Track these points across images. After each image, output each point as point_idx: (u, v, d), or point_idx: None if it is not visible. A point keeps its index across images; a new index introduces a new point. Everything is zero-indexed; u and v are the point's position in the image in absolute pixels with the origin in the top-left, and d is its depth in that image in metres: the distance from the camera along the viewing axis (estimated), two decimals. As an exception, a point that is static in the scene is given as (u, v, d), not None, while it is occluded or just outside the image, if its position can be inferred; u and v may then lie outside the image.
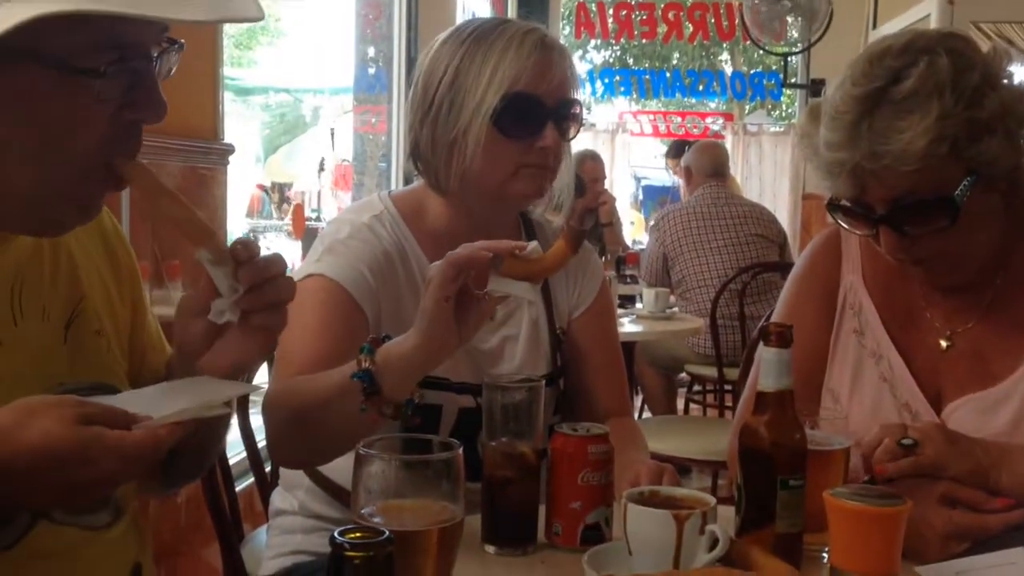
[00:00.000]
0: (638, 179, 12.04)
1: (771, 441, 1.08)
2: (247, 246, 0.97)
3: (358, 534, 0.51)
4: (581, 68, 8.83)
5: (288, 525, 1.56)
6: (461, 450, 0.96)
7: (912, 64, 1.19)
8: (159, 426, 0.85)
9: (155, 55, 0.94)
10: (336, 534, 0.51)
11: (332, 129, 10.09)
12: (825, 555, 1.09)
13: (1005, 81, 1.23)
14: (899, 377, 1.36)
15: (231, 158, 2.77)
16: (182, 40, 0.98)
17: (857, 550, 0.83)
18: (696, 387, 4.83)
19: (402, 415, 1.17)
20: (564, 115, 1.46)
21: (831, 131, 1.23)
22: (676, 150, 6.63)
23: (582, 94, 1.61)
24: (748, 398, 1.47)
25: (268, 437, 1.35)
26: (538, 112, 1.43)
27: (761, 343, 1.11)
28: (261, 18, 0.98)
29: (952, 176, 1.21)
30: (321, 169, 9.93)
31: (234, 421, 1.94)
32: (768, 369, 1.10)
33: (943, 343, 1.36)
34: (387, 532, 0.51)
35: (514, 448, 1.18)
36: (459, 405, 1.45)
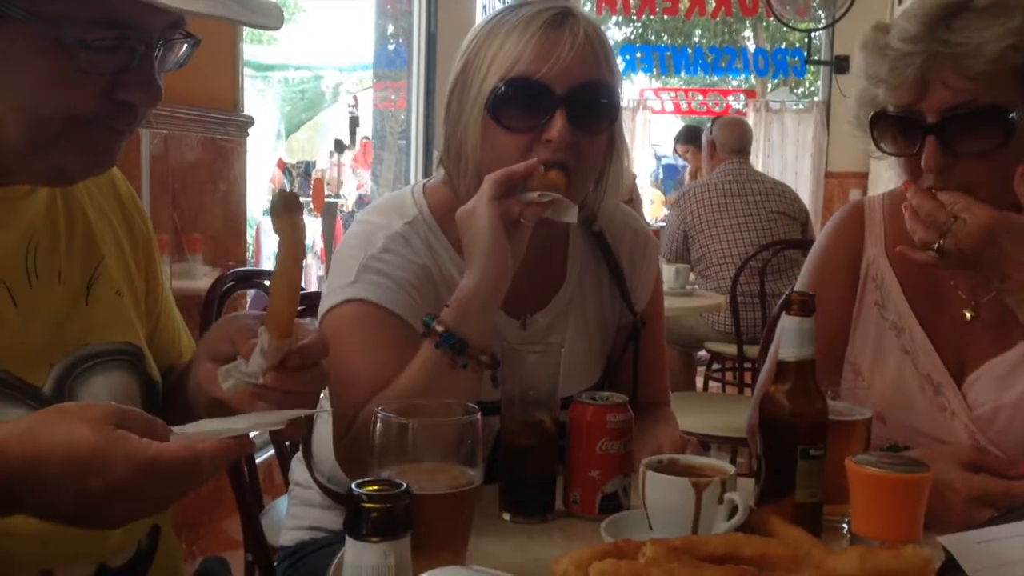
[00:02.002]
0: (658, 157, 11.97)
1: (792, 411, 1.07)
2: (304, 355, 0.93)
3: (376, 487, 0.51)
4: (602, 44, 8.77)
5: (307, 498, 1.55)
6: (479, 414, 0.96)
7: None
8: (202, 443, 0.80)
9: (158, 43, 0.94)
10: (354, 486, 0.50)
11: (351, 107, 10.08)
12: (845, 526, 1.08)
13: None
14: (921, 349, 1.35)
15: (253, 135, 2.78)
16: (198, 36, 0.98)
17: (879, 517, 0.83)
18: (715, 365, 4.81)
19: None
20: (581, 102, 1.25)
21: (909, 22, 1.24)
22: (686, 136, 6.57)
23: (619, 78, 1.33)
24: (768, 370, 1.47)
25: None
26: (542, 99, 1.24)
27: (783, 312, 1.10)
28: (277, 27, 0.98)
29: (1012, 99, 1.22)
30: (339, 150, 9.92)
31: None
32: (790, 338, 1.08)
33: (967, 314, 1.35)
34: (405, 484, 0.51)
35: (532, 416, 1.17)
36: (495, 428, 1.23)
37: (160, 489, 0.81)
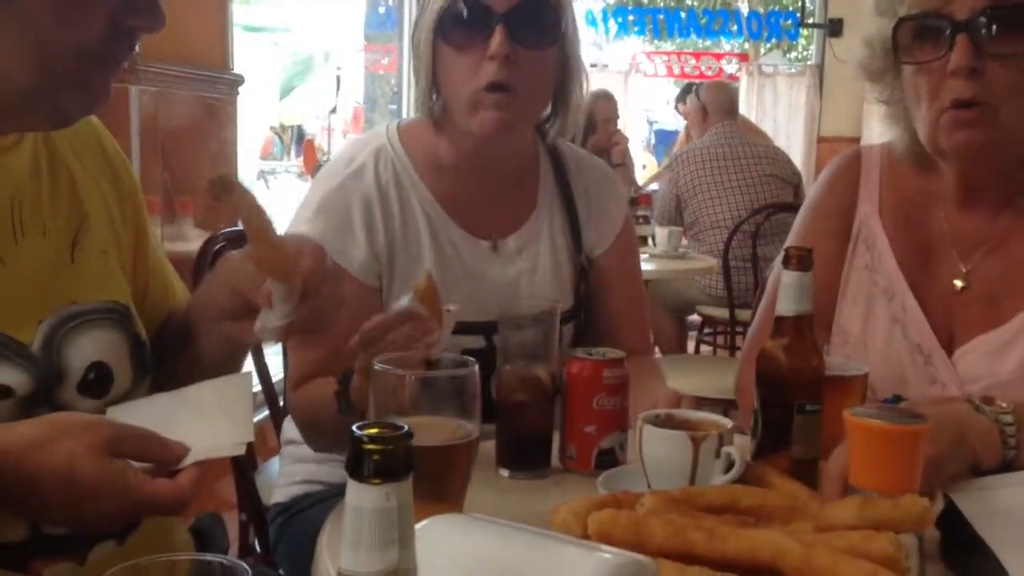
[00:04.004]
0: (650, 123, 11.90)
1: (789, 366, 1.07)
2: (315, 280, 0.97)
3: (376, 429, 0.50)
4: (594, 6, 8.68)
5: (300, 454, 1.56)
6: (477, 367, 0.95)
7: None
8: (184, 477, 0.86)
9: None
10: (355, 428, 0.50)
11: (339, 70, 9.98)
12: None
13: None
14: (912, 318, 1.33)
15: (245, 97, 2.75)
16: None
17: (877, 469, 0.83)
18: (707, 329, 4.82)
19: (341, 381, 1.16)
20: (521, 19, 1.31)
21: None
22: (686, 94, 6.53)
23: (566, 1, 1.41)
24: (758, 328, 1.46)
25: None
26: (482, 17, 1.31)
27: (782, 266, 1.09)
28: None
29: None
30: (332, 112, 9.84)
31: (248, 358, 1.94)
32: (787, 293, 1.08)
33: (958, 283, 1.33)
34: (406, 427, 0.50)
35: (529, 372, 1.17)
36: (463, 347, 1.36)
37: (147, 515, 0.92)
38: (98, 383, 1.01)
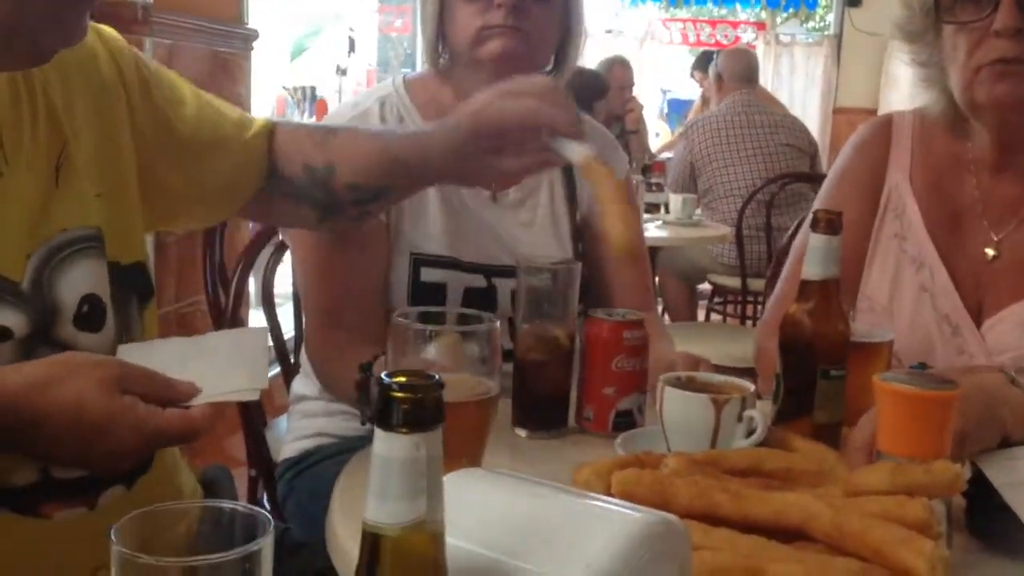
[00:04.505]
0: (664, 91, 11.79)
1: (814, 330, 1.05)
2: None
3: (406, 377, 0.48)
4: (611, -28, 8.56)
5: (310, 409, 1.56)
6: (497, 323, 0.93)
7: None
8: (197, 409, 0.85)
9: None
10: (384, 376, 0.48)
11: (352, 31, 9.89)
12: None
13: None
14: (941, 288, 1.31)
15: (258, 54, 2.71)
16: None
17: (907, 434, 0.81)
18: (717, 298, 4.80)
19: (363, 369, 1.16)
20: None
21: None
22: (703, 62, 6.46)
23: None
24: (781, 293, 1.44)
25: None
26: None
27: (807, 230, 1.07)
28: None
29: None
30: (342, 74, 9.76)
31: (260, 315, 1.94)
32: (814, 256, 1.06)
33: (989, 252, 1.31)
34: (437, 376, 0.49)
35: (547, 331, 1.15)
36: (466, 284, 1.44)
37: (159, 448, 0.90)
38: (92, 316, 0.99)
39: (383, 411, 0.47)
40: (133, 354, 0.93)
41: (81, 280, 0.98)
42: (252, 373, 0.91)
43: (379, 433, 0.48)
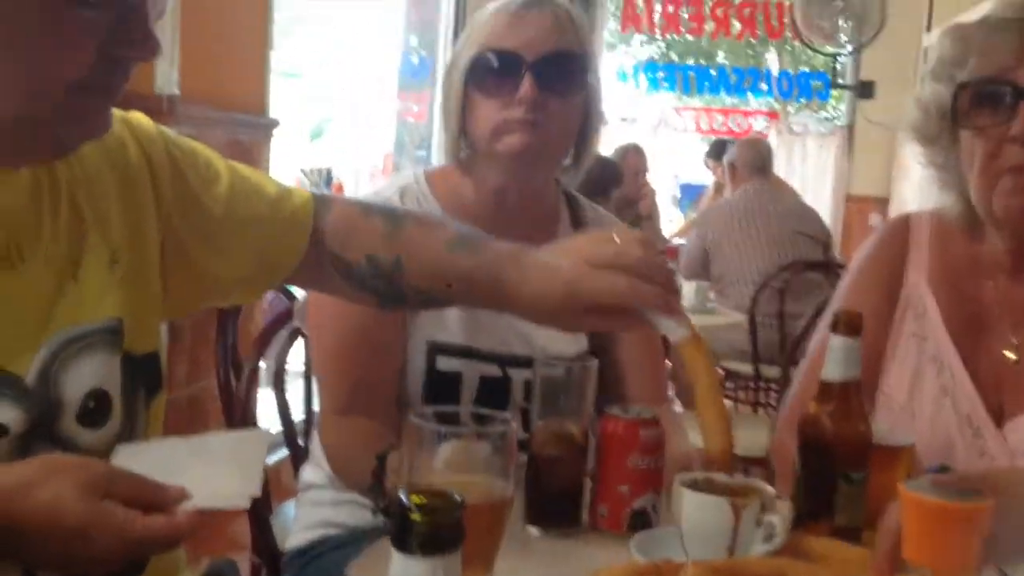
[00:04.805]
0: (676, 178, 11.93)
1: (835, 432, 1.03)
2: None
3: (424, 497, 0.47)
4: (626, 62, 8.74)
5: (318, 498, 1.54)
6: (513, 425, 0.92)
7: None
8: (182, 513, 0.82)
9: None
10: (403, 495, 0.47)
11: (370, 116, 10.08)
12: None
13: None
14: (961, 389, 1.28)
15: (276, 140, 2.76)
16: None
17: (933, 545, 0.78)
18: (730, 383, 4.76)
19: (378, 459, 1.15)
20: (549, 68, 1.39)
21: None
22: (717, 150, 6.55)
23: (591, 53, 1.49)
24: (799, 390, 1.42)
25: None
26: (512, 65, 1.38)
27: (830, 330, 1.06)
28: None
29: None
30: (359, 157, 9.92)
31: (270, 395, 1.93)
32: (835, 357, 1.05)
33: (1010, 355, 1.29)
34: (457, 496, 0.47)
35: (562, 427, 1.14)
36: (481, 373, 1.43)
37: (143, 554, 0.87)
38: (98, 412, 0.97)
39: (400, 533, 0.46)
40: (129, 455, 0.91)
41: (90, 374, 0.97)
42: (246, 480, 0.88)
43: (396, 555, 0.47)
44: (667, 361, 1.74)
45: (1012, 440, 1.24)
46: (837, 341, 1.04)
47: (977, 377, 1.28)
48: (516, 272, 1.07)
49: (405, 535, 0.46)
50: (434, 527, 0.46)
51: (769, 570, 0.82)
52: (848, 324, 1.03)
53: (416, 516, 0.45)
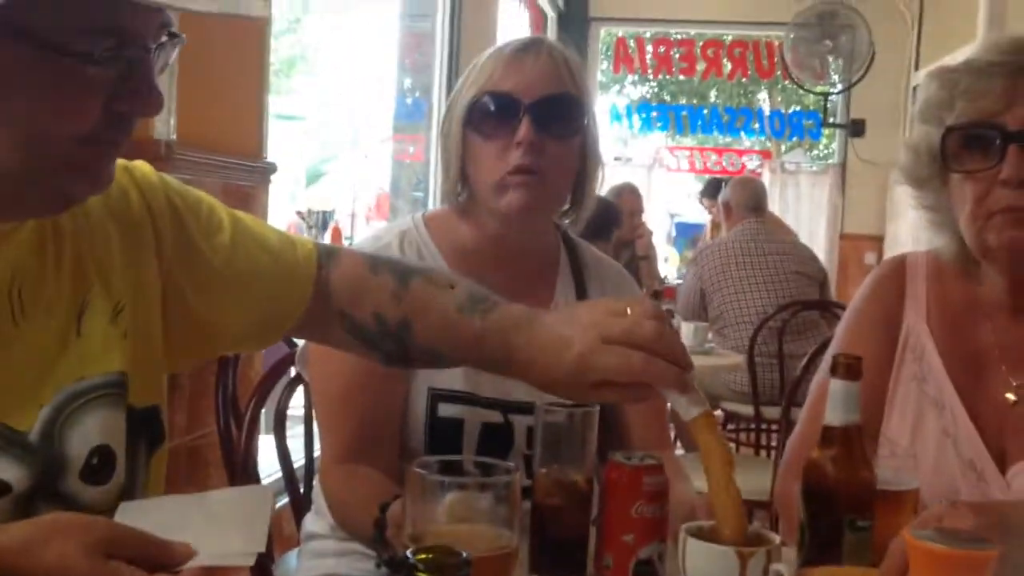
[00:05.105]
0: (671, 216, 11.99)
1: (837, 478, 1.03)
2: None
3: (431, 554, 0.47)
4: (619, 102, 8.82)
5: (320, 549, 1.52)
6: (518, 475, 0.92)
7: None
8: (186, 573, 0.82)
9: (153, 47, 0.90)
10: (409, 553, 0.46)
11: (366, 158, 10.15)
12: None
13: None
14: (963, 433, 1.28)
15: (273, 182, 2.77)
16: (183, 34, 0.94)
17: (942, 595, 0.78)
18: (731, 425, 4.74)
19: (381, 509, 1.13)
20: (546, 111, 1.40)
21: (997, 40, 1.24)
22: (711, 189, 6.60)
23: (588, 96, 1.50)
24: (800, 435, 1.42)
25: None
26: (510, 108, 1.39)
27: (829, 374, 1.06)
28: (266, 16, 0.96)
29: None
30: (356, 199, 9.97)
31: (271, 441, 1.92)
32: (835, 402, 1.04)
33: (1011, 397, 1.29)
34: (464, 553, 0.47)
35: (565, 475, 1.13)
36: (483, 420, 1.43)
37: None
38: (102, 469, 0.97)
39: (408, 592, 0.46)
40: (132, 513, 0.90)
41: (94, 430, 0.96)
42: (250, 537, 0.87)
43: (404, 614, 0.46)
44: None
45: (1015, 484, 1.24)
46: (837, 385, 1.03)
47: (979, 420, 1.28)
48: (526, 341, 1.06)
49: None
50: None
51: (777, 621, 0.82)
52: (847, 368, 1.03)
53: (423, 575, 0.45)
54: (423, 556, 0.47)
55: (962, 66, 1.25)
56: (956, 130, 1.24)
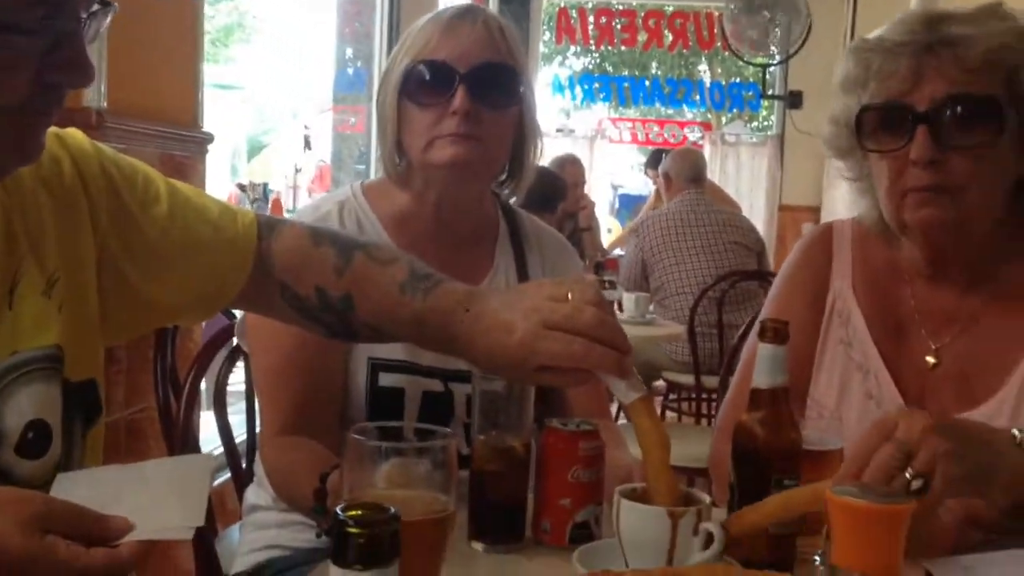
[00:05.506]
0: (615, 188, 12.06)
1: (765, 440, 1.06)
2: None
3: (360, 511, 0.48)
4: (561, 73, 8.82)
5: (262, 520, 1.53)
6: (454, 441, 0.93)
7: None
8: (125, 546, 0.81)
9: (84, 16, 0.89)
10: (339, 510, 0.48)
11: (307, 130, 10.02)
12: (818, 558, 1.07)
13: None
14: (886, 395, 1.33)
15: (211, 154, 2.73)
16: (115, 2, 0.92)
17: (859, 548, 0.81)
18: (672, 395, 4.81)
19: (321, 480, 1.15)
20: (482, 80, 1.40)
21: (904, 20, 1.26)
22: (655, 160, 6.65)
23: (523, 65, 1.49)
24: (732, 399, 1.45)
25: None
26: (445, 77, 1.39)
27: (757, 339, 1.09)
28: None
29: (1003, 98, 1.22)
30: (298, 170, 9.85)
31: (211, 417, 1.90)
32: (763, 365, 1.07)
33: (930, 360, 1.33)
34: (392, 508, 0.48)
35: (503, 442, 1.15)
36: (424, 389, 1.44)
37: None
38: (37, 442, 0.96)
39: (338, 547, 0.47)
40: (68, 485, 0.89)
41: (29, 404, 0.95)
42: (189, 509, 0.86)
43: (334, 570, 0.47)
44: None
45: None
46: (764, 350, 1.06)
47: (901, 383, 1.33)
48: (468, 323, 1.06)
49: (342, 549, 0.47)
50: (371, 540, 0.47)
51: (705, 576, 0.84)
52: (775, 332, 1.06)
53: (353, 529, 0.46)
54: (353, 513, 0.48)
55: (874, 44, 1.28)
56: (869, 110, 1.27)
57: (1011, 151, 1.25)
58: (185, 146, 2.54)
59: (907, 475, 0.97)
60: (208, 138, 2.67)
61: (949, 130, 1.21)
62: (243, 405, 1.97)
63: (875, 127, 1.27)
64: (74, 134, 1.07)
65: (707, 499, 1.03)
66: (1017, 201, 1.29)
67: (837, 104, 1.33)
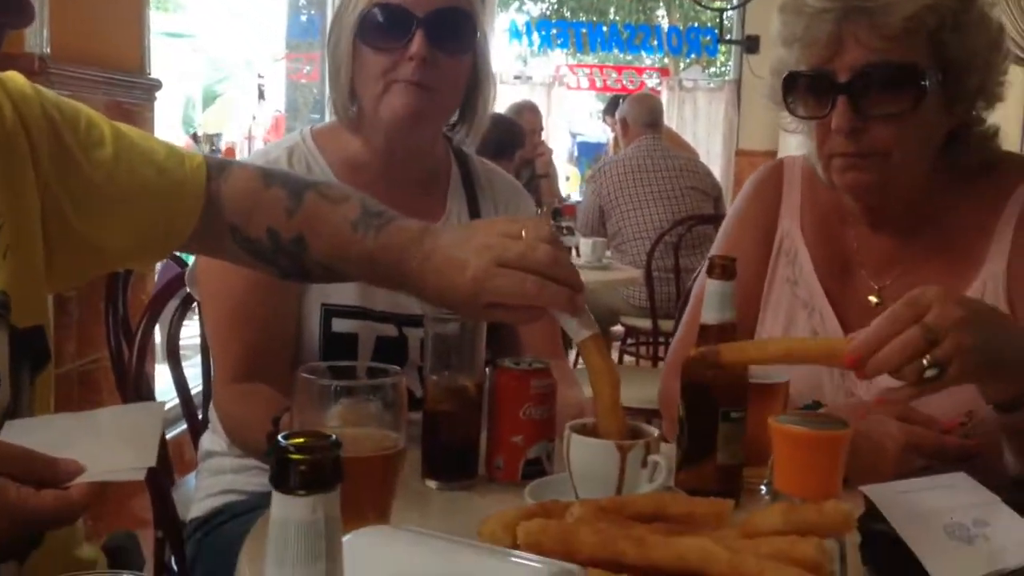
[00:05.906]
0: (573, 135, 12.03)
1: (712, 373, 1.08)
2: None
3: (302, 438, 0.48)
4: (518, 19, 8.73)
5: (218, 466, 1.53)
6: (403, 377, 0.94)
7: None
8: (75, 488, 0.81)
9: None
10: (280, 438, 0.48)
11: (261, 79, 9.83)
12: (764, 487, 1.10)
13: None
14: (831, 332, 1.35)
15: (163, 104, 2.68)
16: None
17: (801, 474, 0.84)
18: (630, 339, 4.87)
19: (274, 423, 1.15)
20: (440, 25, 1.38)
21: None
22: (613, 106, 6.63)
23: (479, 9, 1.49)
24: (681, 337, 1.48)
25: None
26: (403, 21, 1.37)
27: (706, 275, 1.10)
28: None
29: (925, 63, 1.22)
30: (253, 119, 9.68)
31: (166, 370, 1.90)
32: (711, 301, 1.09)
33: (873, 299, 1.36)
34: (333, 436, 0.49)
35: (455, 382, 1.16)
36: (377, 334, 1.44)
37: (36, 530, 0.85)
38: None
39: (279, 473, 0.48)
40: (18, 432, 0.89)
41: None
42: (140, 452, 0.86)
43: (276, 496, 0.48)
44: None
45: (876, 381, 1.31)
46: (712, 286, 1.08)
47: (846, 321, 1.35)
48: (420, 260, 1.06)
49: (283, 475, 0.47)
50: (312, 465, 0.47)
51: (651, 506, 0.86)
52: (722, 268, 1.07)
53: (294, 456, 0.47)
54: (295, 439, 0.48)
55: (798, 6, 1.27)
56: (793, 76, 1.28)
57: (938, 110, 1.26)
58: (132, 92, 2.50)
59: (924, 362, 0.97)
60: (156, 84, 2.62)
61: (869, 99, 1.22)
62: (199, 359, 1.97)
63: (800, 93, 1.29)
64: (14, 77, 1.05)
65: (655, 432, 1.05)
66: (953, 150, 1.31)
67: (773, 56, 1.34)
